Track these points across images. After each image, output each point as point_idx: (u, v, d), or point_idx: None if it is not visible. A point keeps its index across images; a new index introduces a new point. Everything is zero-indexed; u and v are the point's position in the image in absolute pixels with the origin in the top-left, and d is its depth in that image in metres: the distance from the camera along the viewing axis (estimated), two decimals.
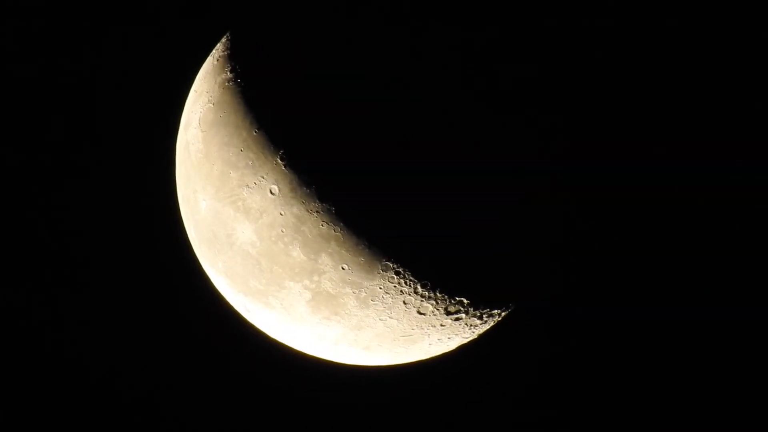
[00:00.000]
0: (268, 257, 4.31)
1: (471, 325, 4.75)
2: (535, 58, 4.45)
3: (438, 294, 4.38)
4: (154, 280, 6.68)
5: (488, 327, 4.95)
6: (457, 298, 4.46)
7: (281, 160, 4.17)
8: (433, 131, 4.05)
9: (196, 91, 4.86)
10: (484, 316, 4.74)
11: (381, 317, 4.43)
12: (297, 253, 4.24)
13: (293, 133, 4.16)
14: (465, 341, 5.03)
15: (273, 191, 4.21)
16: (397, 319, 4.46)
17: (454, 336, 4.80)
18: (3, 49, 6.58)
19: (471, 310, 4.59)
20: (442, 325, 4.60)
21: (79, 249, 6.78)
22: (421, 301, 4.38)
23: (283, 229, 4.22)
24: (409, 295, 4.34)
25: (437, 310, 4.46)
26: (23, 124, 6.70)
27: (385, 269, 4.23)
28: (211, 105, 4.56)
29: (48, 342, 6.87)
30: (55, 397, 6.89)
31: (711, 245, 6.60)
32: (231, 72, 4.54)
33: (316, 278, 4.28)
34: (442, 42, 4.21)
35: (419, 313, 4.45)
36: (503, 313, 4.90)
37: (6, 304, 6.81)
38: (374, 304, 4.36)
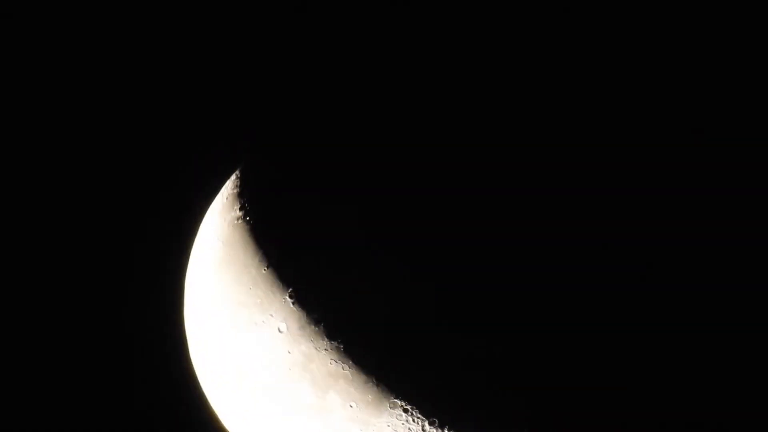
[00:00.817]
0: (277, 395, 4.30)
1: None
2: None
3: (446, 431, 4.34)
4: (164, 419, 6.59)
5: None
6: None
7: (290, 297, 4.23)
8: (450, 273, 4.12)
9: (206, 230, 4.97)
10: None
11: None
12: (305, 391, 4.23)
13: (302, 271, 4.23)
14: None
15: (281, 329, 4.24)
16: None
17: None
18: None
19: None
20: None
21: (87, 384, 6.72)
22: None
23: (291, 368, 4.23)
24: None
25: None
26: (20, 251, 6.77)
27: (393, 406, 4.21)
28: (221, 243, 4.65)
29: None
30: None
31: None
32: (240, 210, 4.66)
33: (324, 416, 4.25)
34: None
35: None
36: None
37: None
38: None
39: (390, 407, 4.21)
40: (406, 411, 4.23)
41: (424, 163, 4.29)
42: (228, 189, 4.93)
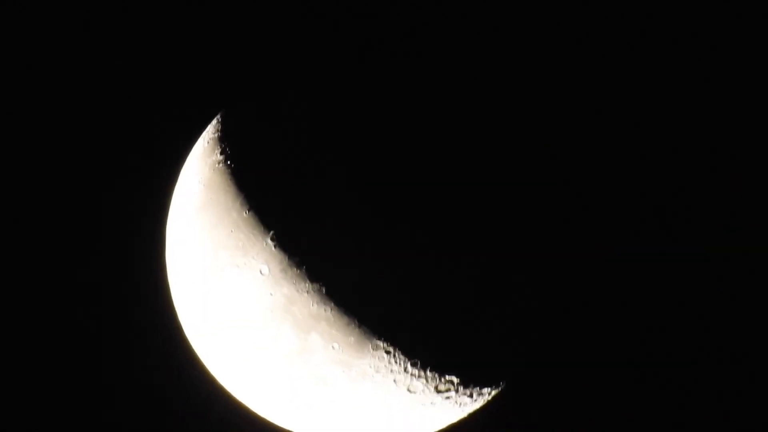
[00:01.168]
0: (259, 337, 4.31)
1: (461, 404, 4.72)
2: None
3: (428, 373, 4.37)
4: (147, 364, 6.61)
5: (478, 406, 4.92)
6: (447, 377, 4.45)
7: (271, 240, 4.22)
8: (425, 212, 4.12)
9: (187, 174, 4.93)
10: (474, 394, 4.72)
11: (371, 396, 4.40)
12: (287, 333, 4.24)
13: (283, 214, 4.21)
14: (454, 420, 4.99)
15: (263, 271, 4.23)
16: (387, 398, 4.44)
17: (444, 415, 4.77)
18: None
19: (461, 389, 4.57)
20: (432, 404, 4.57)
21: (69, 338, 6.72)
22: (411, 379, 4.37)
23: (273, 310, 4.23)
24: (399, 374, 4.33)
25: (427, 388, 4.44)
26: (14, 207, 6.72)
27: (375, 348, 4.23)
28: (202, 186, 4.62)
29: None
30: None
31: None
32: (221, 154, 4.62)
33: (306, 357, 4.27)
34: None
35: (409, 391, 4.43)
36: (493, 392, 4.88)
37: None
38: (364, 383, 4.34)
39: (372, 349, 4.23)
40: (388, 353, 4.25)
41: (396, 109, 4.31)
42: (209, 133, 4.89)
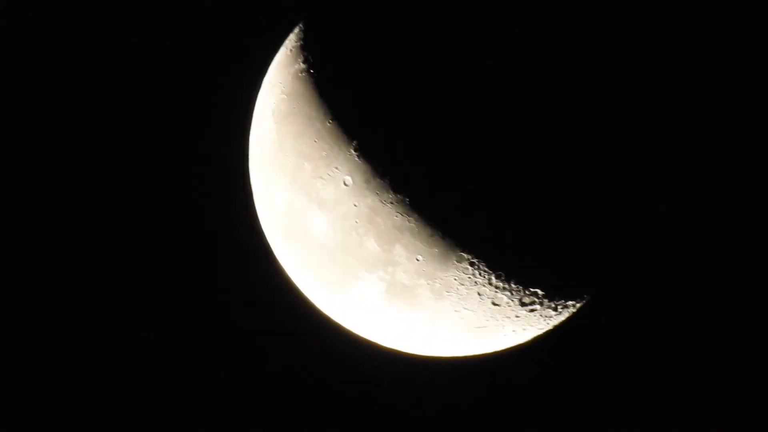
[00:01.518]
0: (343, 249, 4.32)
1: (546, 317, 4.69)
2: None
3: (513, 285, 4.33)
4: (230, 274, 6.78)
5: (563, 318, 4.88)
6: (532, 290, 4.41)
7: (355, 151, 4.17)
8: (515, 122, 4.00)
9: (269, 83, 4.89)
10: (559, 307, 4.68)
11: (455, 308, 4.40)
12: (371, 245, 4.23)
13: (367, 123, 4.14)
14: (540, 332, 4.97)
15: (347, 182, 4.21)
16: (472, 311, 4.43)
17: (528, 327, 4.75)
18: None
19: (546, 301, 4.53)
20: (516, 317, 4.55)
21: (155, 244, 6.92)
22: (496, 292, 4.34)
23: (357, 221, 4.22)
24: (484, 286, 4.30)
25: (512, 301, 4.41)
26: (96, 121, 6.86)
27: (460, 260, 4.20)
28: (285, 96, 4.58)
29: (127, 341, 7.03)
30: (138, 393, 7.06)
31: None
32: (304, 62, 4.55)
33: (390, 269, 4.27)
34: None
35: (494, 304, 4.41)
36: (578, 305, 4.83)
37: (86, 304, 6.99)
38: (449, 295, 4.33)
39: (456, 261, 4.20)
40: (472, 264, 4.21)
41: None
42: (291, 41, 4.81)
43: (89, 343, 6.98)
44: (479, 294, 4.33)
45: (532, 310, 4.54)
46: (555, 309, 4.66)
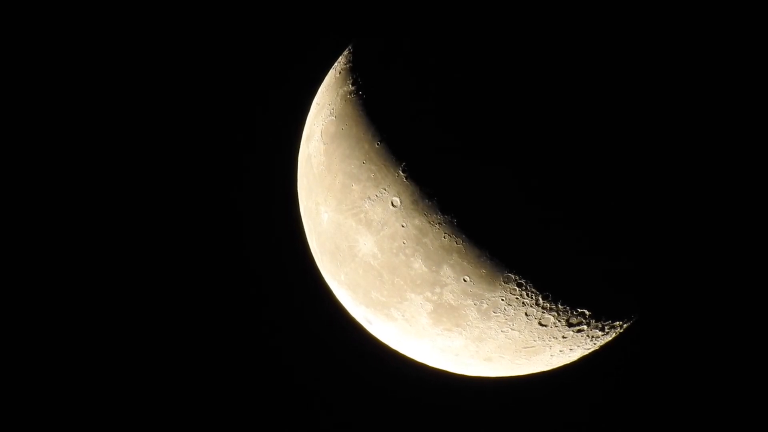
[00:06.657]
0: (390, 269, 4.35)
1: (593, 337, 4.67)
2: None
3: (560, 306, 4.32)
4: (276, 292, 6.84)
5: (610, 338, 4.85)
6: (579, 310, 4.39)
7: (403, 172, 4.20)
8: (564, 143, 4.01)
9: (318, 104, 4.95)
10: (606, 327, 4.65)
11: (503, 329, 4.40)
12: (419, 265, 4.26)
13: (415, 145, 4.18)
14: (587, 352, 4.94)
15: (394, 203, 4.24)
16: (519, 331, 4.43)
17: (575, 347, 4.73)
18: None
19: (593, 321, 4.51)
20: (563, 337, 4.53)
21: (202, 260, 7.02)
22: (543, 312, 4.33)
23: (405, 241, 4.25)
24: (531, 306, 4.30)
25: (559, 321, 4.40)
26: (146, 138, 6.99)
27: (507, 281, 4.20)
28: (333, 118, 4.64)
29: (172, 356, 7.13)
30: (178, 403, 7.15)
31: None
32: (353, 84, 4.60)
33: (437, 290, 4.29)
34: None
35: (541, 324, 4.40)
36: (625, 325, 4.79)
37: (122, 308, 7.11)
38: (496, 316, 4.34)
39: (504, 282, 4.20)
40: (520, 285, 4.22)
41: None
42: (341, 63, 4.87)
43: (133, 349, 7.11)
44: (526, 314, 4.33)
45: (579, 331, 4.52)
46: (602, 329, 4.64)
